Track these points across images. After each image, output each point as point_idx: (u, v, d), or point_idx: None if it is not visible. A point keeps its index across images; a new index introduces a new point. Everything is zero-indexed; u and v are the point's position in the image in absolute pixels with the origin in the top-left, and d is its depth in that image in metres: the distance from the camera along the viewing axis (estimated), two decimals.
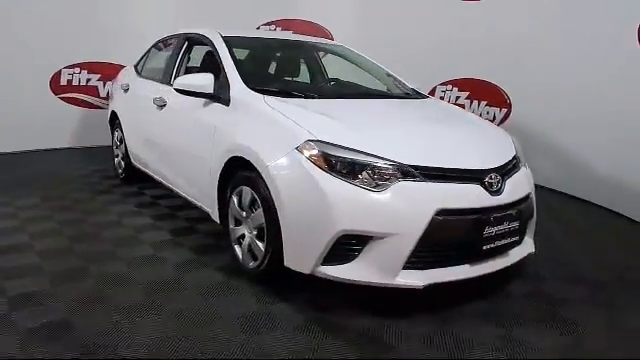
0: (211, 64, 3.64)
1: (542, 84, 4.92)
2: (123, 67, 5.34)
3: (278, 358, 2.07)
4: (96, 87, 6.36)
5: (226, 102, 2.96)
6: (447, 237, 2.34)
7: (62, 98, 6.17)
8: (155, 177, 4.05)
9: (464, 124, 3.07)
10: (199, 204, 3.31)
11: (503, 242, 2.49)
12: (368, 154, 2.33)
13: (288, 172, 2.40)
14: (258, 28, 6.77)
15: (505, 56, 5.27)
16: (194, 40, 3.82)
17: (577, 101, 4.63)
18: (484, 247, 2.41)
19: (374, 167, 2.30)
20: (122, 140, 4.56)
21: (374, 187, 2.27)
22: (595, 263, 3.26)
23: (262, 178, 2.50)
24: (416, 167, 2.33)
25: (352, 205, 2.25)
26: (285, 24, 6.73)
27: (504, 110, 5.53)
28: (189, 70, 3.84)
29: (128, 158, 4.48)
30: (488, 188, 2.43)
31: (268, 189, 2.47)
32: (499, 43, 5.29)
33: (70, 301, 2.45)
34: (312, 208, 2.30)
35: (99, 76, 6.33)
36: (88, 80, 6.30)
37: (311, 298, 2.57)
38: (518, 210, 2.54)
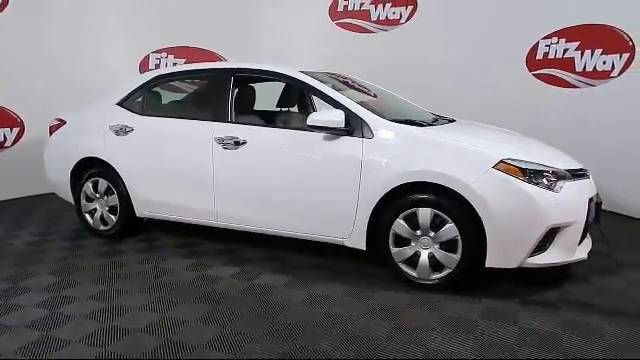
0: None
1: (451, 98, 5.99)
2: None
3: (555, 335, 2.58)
4: None
5: (365, 135, 3.15)
6: (590, 218, 3.16)
7: None
8: (197, 222, 3.75)
9: (524, 137, 3.81)
10: (319, 237, 3.35)
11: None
12: (540, 164, 2.98)
13: (492, 187, 2.85)
14: (147, 56, 6.31)
15: (414, 77, 6.17)
16: (250, 76, 3.73)
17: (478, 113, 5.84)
18: (600, 222, 3.35)
19: (548, 174, 2.97)
20: (110, 190, 3.96)
21: (549, 189, 2.94)
22: None
23: (456, 196, 2.90)
24: (567, 170, 3.09)
25: (552, 204, 2.87)
26: (177, 52, 6.44)
27: None
28: (236, 105, 3.66)
29: (128, 210, 3.91)
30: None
31: (468, 204, 2.88)
32: (408, 67, 6.16)
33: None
34: (520, 211, 2.83)
35: None
36: None
37: (510, 290, 3.09)
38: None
